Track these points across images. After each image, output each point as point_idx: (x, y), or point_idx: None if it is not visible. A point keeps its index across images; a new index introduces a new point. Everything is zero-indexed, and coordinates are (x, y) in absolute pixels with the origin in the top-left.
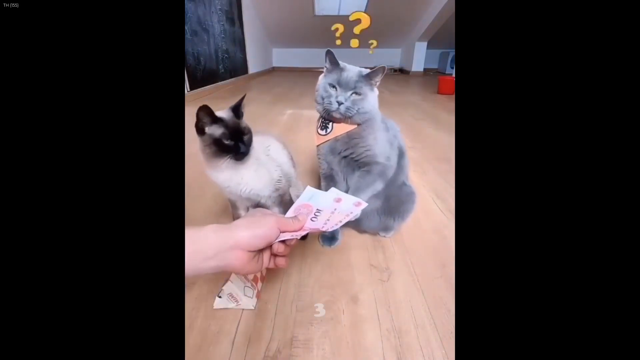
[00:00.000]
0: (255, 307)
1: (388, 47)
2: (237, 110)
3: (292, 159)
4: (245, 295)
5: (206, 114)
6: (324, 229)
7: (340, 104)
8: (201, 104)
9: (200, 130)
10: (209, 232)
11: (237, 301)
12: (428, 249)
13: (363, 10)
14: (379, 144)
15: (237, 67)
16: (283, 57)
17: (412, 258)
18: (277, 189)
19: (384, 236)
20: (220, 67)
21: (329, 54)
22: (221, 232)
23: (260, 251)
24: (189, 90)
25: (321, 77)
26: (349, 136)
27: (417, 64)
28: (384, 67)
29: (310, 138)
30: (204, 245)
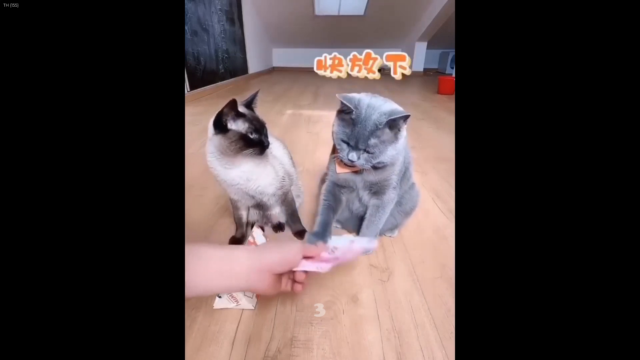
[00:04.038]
0: (255, 307)
1: (388, 47)
2: (250, 105)
3: (291, 158)
4: (245, 295)
5: (232, 109)
6: (340, 262)
7: (352, 161)
8: (230, 98)
9: (222, 127)
10: (241, 253)
11: (237, 301)
12: (428, 249)
13: (363, 10)
14: (396, 175)
15: (237, 67)
16: (283, 57)
17: (412, 258)
18: (281, 187)
19: (390, 236)
20: (220, 67)
21: (341, 102)
22: (252, 254)
23: (281, 274)
24: (189, 90)
25: (335, 120)
26: (375, 168)
27: (417, 64)
28: (407, 116)
29: (310, 138)
30: (236, 266)
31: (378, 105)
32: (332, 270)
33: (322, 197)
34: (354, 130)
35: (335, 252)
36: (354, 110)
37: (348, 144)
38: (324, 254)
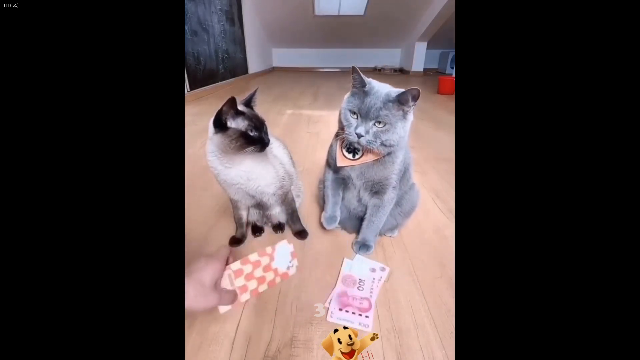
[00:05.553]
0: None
1: (388, 47)
2: (249, 103)
3: (291, 158)
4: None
5: (231, 107)
6: (372, 301)
7: (360, 136)
8: (229, 97)
9: (222, 126)
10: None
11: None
12: (428, 249)
13: (363, 10)
14: (396, 174)
15: (237, 67)
16: (283, 57)
17: (412, 258)
18: (282, 186)
19: (390, 236)
20: (220, 67)
21: (354, 71)
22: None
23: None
24: (189, 90)
25: (346, 96)
26: (377, 162)
27: (417, 64)
28: (417, 90)
29: (310, 138)
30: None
31: (388, 86)
32: (332, 270)
33: (327, 182)
34: (365, 100)
35: (363, 286)
36: (367, 84)
37: (358, 116)
38: (354, 293)
